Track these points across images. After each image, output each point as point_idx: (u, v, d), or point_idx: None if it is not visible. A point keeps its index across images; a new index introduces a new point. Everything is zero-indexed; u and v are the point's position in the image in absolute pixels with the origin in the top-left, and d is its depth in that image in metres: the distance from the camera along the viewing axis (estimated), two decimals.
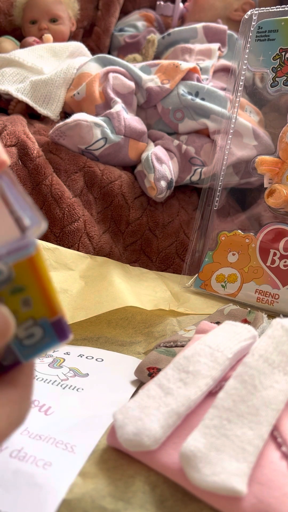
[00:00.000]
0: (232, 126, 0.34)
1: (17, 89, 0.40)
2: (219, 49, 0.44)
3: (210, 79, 0.41)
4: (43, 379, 0.21)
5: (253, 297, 0.29)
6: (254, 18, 0.32)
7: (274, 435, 0.16)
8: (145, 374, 0.21)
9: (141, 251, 0.35)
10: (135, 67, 0.40)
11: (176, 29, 0.48)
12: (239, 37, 0.33)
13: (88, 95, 0.39)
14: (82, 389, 0.20)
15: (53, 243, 0.32)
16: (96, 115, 0.37)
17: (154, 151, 0.36)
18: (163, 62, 0.41)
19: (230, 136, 0.34)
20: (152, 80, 0.39)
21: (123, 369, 0.22)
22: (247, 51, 0.32)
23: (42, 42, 0.47)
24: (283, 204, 0.29)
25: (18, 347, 0.12)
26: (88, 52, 0.47)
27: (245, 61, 0.33)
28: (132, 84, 0.39)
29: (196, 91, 0.38)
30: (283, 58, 0.31)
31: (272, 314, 0.26)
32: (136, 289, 0.29)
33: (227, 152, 0.34)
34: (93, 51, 0.49)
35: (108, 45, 0.53)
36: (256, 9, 0.32)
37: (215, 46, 0.43)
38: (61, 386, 0.20)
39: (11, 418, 0.12)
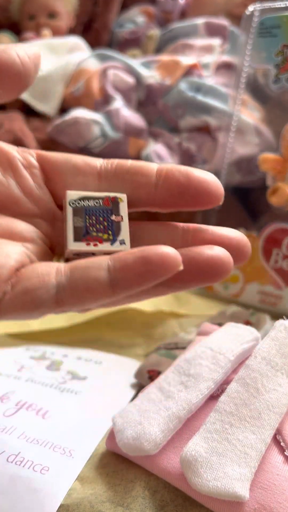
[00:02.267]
0: (234, 123, 0.34)
1: None
2: (220, 45, 0.43)
3: (211, 75, 0.40)
4: (40, 382, 0.21)
5: (255, 298, 0.29)
6: (256, 14, 0.31)
7: (277, 439, 0.15)
8: (145, 377, 0.20)
9: None
10: (135, 63, 0.39)
11: (177, 25, 0.47)
12: (241, 33, 0.32)
13: (87, 92, 0.38)
14: (81, 392, 0.20)
15: None
16: (95, 111, 0.36)
17: (155, 149, 0.35)
18: (164, 58, 0.40)
19: (232, 134, 0.33)
20: (152, 77, 0.38)
21: (122, 371, 0.22)
22: (249, 47, 0.32)
23: (40, 38, 0.47)
24: (286, 203, 0.28)
25: None
26: (87, 48, 0.46)
27: (247, 58, 0.32)
28: (131, 80, 0.38)
29: (197, 88, 0.38)
30: (285, 55, 0.31)
31: (275, 316, 0.26)
32: None
33: (228, 150, 0.33)
34: (92, 47, 0.48)
35: (108, 41, 0.53)
36: (258, 5, 0.32)
37: (216, 42, 0.43)
38: (59, 389, 0.20)
39: None
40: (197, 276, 0.11)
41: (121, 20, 0.53)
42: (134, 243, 0.13)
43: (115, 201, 0.12)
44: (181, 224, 0.13)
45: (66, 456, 0.16)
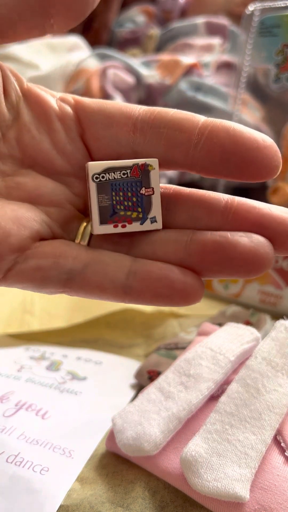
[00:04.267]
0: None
1: None
2: (220, 44, 0.43)
3: (212, 75, 0.40)
4: (40, 382, 0.21)
5: (256, 298, 0.29)
6: (256, 13, 0.31)
7: (278, 440, 0.15)
8: (145, 377, 0.20)
9: None
10: (135, 63, 0.39)
11: (177, 24, 0.47)
12: (241, 33, 0.32)
13: (87, 91, 0.38)
14: (81, 393, 0.20)
15: None
16: None
17: None
18: (164, 57, 0.40)
19: None
20: (152, 76, 0.38)
21: (122, 372, 0.22)
22: (249, 47, 0.32)
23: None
24: (286, 203, 0.28)
25: None
26: (87, 48, 0.46)
27: (247, 57, 0.32)
28: (131, 80, 0.38)
29: (197, 87, 0.38)
30: (286, 54, 0.31)
31: (276, 316, 0.26)
32: None
33: None
34: (92, 47, 0.48)
35: (107, 40, 0.53)
36: (258, 4, 0.32)
37: (216, 41, 0.43)
38: (58, 389, 0.20)
39: None
40: (228, 269, 0.10)
41: (121, 20, 0.53)
42: (167, 218, 0.11)
43: (144, 170, 0.11)
44: (225, 197, 0.11)
45: (66, 457, 0.16)
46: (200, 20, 0.46)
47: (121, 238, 0.11)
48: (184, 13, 0.52)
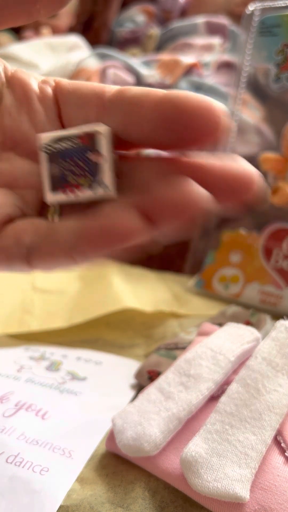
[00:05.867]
0: (235, 123, 0.34)
1: None
2: (220, 44, 0.43)
3: (212, 74, 0.40)
4: (40, 382, 0.21)
5: (256, 298, 0.29)
6: (256, 13, 0.31)
7: (278, 440, 0.15)
8: (145, 378, 0.20)
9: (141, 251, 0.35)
10: (135, 63, 0.39)
11: (177, 24, 0.47)
12: (241, 32, 0.32)
13: None
14: (81, 393, 0.20)
15: None
16: None
17: None
18: (164, 57, 0.40)
19: (233, 133, 0.33)
20: (152, 76, 0.38)
21: (122, 372, 0.22)
22: (250, 46, 0.32)
23: (40, 37, 0.47)
24: (287, 202, 0.28)
25: None
26: (87, 47, 0.46)
27: (248, 57, 0.32)
28: (131, 79, 0.38)
29: (197, 87, 0.38)
30: (286, 54, 0.31)
31: (276, 316, 0.26)
32: (136, 290, 0.29)
33: (229, 149, 0.33)
34: (92, 46, 0.48)
35: (107, 40, 0.53)
36: (258, 4, 0.31)
37: (216, 41, 0.43)
38: (58, 389, 0.20)
39: None
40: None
41: (121, 19, 0.53)
42: (122, 184, 0.11)
43: (93, 137, 0.10)
44: (185, 161, 0.10)
45: (66, 457, 0.16)
46: (200, 19, 0.45)
47: (85, 209, 0.11)
48: (184, 12, 0.52)
